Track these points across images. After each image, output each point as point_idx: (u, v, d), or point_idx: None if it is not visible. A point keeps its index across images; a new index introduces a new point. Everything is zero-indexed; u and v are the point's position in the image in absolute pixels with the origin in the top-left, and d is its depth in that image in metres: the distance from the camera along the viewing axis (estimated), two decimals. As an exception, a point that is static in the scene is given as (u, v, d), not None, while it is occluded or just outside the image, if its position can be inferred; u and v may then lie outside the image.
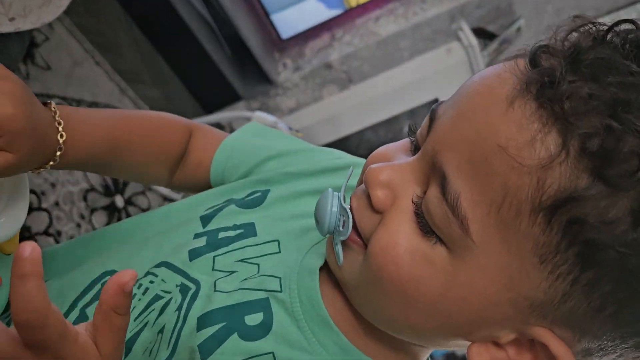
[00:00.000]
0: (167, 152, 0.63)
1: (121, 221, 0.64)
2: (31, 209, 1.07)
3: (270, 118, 1.29)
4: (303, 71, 1.97)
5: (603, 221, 0.30)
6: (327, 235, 0.43)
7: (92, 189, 1.26)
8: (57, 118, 0.49)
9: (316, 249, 0.49)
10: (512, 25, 1.82)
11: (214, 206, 0.56)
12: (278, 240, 0.51)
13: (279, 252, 0.50)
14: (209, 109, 1.91)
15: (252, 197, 0.56)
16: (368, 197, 0.39)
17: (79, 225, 1.18)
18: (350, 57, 1.93)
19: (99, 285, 0.53)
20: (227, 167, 0.62)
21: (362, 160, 0.57)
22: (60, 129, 0.49)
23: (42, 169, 0.50)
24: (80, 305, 0.52)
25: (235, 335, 0.44)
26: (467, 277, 0.35)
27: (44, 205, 1.10)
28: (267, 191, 0.56)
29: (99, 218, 1.24)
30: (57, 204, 1.14)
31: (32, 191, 1.09)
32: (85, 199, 1.23)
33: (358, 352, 0.44)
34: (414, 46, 1.90)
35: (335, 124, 1.94)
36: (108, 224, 1.26)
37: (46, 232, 1.08)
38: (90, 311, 0.51)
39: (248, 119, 1.30)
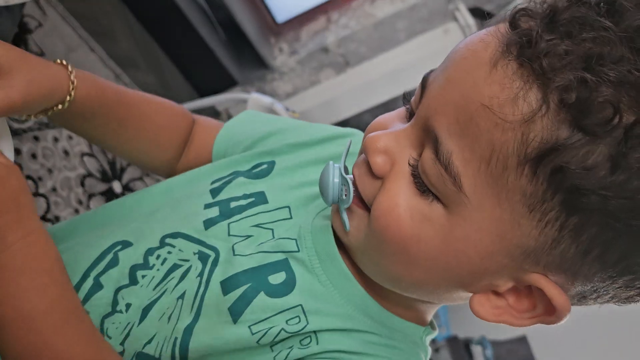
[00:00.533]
0: (176, 131, 0.64)
1: (122, 197, 0.64)
2: (28, 195, 1.07)
3: (266, 99, 1.28)
4: (299, 55, 1.95)
5: (584, 167, 0.32)
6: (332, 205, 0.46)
7: (90, 174, 1.26)
8: (64, 63, 0.51)
9: (324, 212, 0.52)
10: (509, 4, 1.81)
11: (220, 178, 0.57)
12: (289, 207, 0.53)
13: (291, 217, 0.52)
14: (204, 95, 1.89)
15: (258, 169, 0.58)
16: (368, 164, 0.41)
17: (77, 211, 1.17)
18: (346, 39, 1.92)
19: (110, 255, 0.54)
20: (229, 146, 0.63)
21: (359, 131, 0.60)
22: (70, 68, 0.51)
23: (50, 112, 0.50)
24: (93, 274, 0.53)
25: (262, 294, 0.46)
26: (462, 231, 0.38)
27: (41, 190, 1.10)
28: (273, 162, 0.58)
29: (97, 203, 1.24)
30: (54, 189, 1.13)
31: (29, 177, 1.08)
32: (82, 184, 1.22)
33: (375, 303, 0.47)
34: (410, 27, 1.89)
35: (332, 108, 1.93)
36: (106, 209, 1.25)
37: (44, 218, 1.08)
38: (104, 279, 0.52)
39: (244, 101, 1.29)
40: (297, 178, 0.56)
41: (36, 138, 1.14)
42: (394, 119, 0.44)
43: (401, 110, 0.45)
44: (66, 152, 1.21)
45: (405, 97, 0.44)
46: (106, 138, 0.59)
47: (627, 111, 0.31)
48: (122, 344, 0.49)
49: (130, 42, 1.66)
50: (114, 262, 0.53)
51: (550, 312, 0.39)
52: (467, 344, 3.02)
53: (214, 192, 0.56)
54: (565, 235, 0.35)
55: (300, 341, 0.45)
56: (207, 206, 0.54)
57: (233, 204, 0.54)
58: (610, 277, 0.37)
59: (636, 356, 3.34)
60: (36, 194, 1.08)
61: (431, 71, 0.42)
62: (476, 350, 2.98)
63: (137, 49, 1.69)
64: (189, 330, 0.47)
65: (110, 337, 0.50)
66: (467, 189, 0.37)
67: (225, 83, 1.90)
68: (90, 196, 1.23)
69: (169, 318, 0.48)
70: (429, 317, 0.51)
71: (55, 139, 1.20)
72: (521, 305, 0.40)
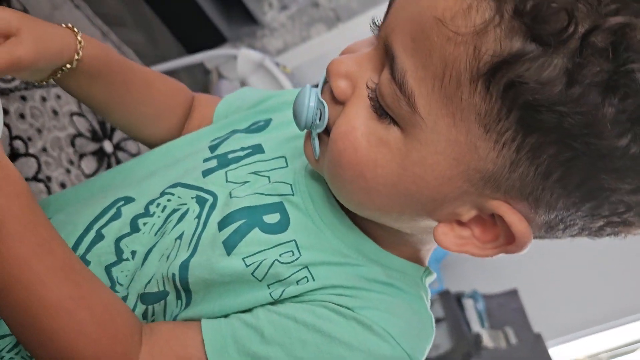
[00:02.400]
0: (178, 102, 0.65)
1: (121, 164, 0.65)
2: (18, 155, 1.06)
3: (257, 55, 1.26)
4: (290, 10, 1.92)
5: (538, 81, 0.30)
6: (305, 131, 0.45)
7: (80, 134, 1.25)
8: (69, 26, 0.52)
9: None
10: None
11: (218, 137, 0.58)
12: (285, 157, 0.53)
13: (287, 166, 0.52)
14: (193, 52, 1.87)
15: (255, 126, 0.58)
16: (331, 89, 0.41)
17: (68, 171, 1.17)
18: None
19: (113, 209, 0.54)
20: (229, 112, 0.64)
21: None
22: (75, 29, 0.51)
23: (59, 72, 0.51)
24: (96, 227, 0.54)
25: (256, 229, 0.47)
26: (419, 154, 0.37)
27: (31, 151, 1.09)
28: (269, 119, 0.58)
29: (88, 163, 1.23)
30: (44, 149, 1.13)
31: (18, 137, 1.07)
32: (73, 144, 1.22)
33: (372, 242, 0.47)
34: (402, -20, 1.85)
35: (324, 64, 1.90)
36: (98, 169, 1.25)
37: (35, 178, 1.07)
38: (106, 231, 0.53)
39: (234, 57, 1.28)
40: (292, 131, 0.55)
41: (23, 98, 1.12)
42: (364, 45, 0.43)
43: (372, 37, 0.43)
44: (55, 112, 1.20)
45: (374, 23, 0.42)
46: (111, 101, 0.59)
47: (583, 20, 0.30)
48: (127, 288, 0.50)
49: (117, -2, 1.62)
50: (116, 216, 0.54)
51: (511, 241, 0.38)
52: (459, 297, 3.09)
53: (212, 148, 0.57)
54: (523, 156, 0.34)
55: (296, 281, 0.45)
56: (206, 160, 0.55)
57: (230, 155, 0.54)
58: (574, 203, 0.36)
59: (626, 305, 3.43)
60: (26, 154, 1.08)
61: None
62: (468, 303, 3.04)
63: (124, 5, 1.65)
64: (184, 265, 0.47)
65: (122, 285, 0.51)
66: (422, 109, 0.35)
67: (215, 40, 1.87)
68: (82, 156, 1.23)
69: (167, 257, 0.49)
70: (426, 260, 0.51)
71: (43, 99, 1.18)
72: (485, 236, 0.40)
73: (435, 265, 3.32)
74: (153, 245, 0.51)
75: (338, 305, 0.43)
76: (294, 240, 0.46)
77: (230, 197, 0.50)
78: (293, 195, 0.49)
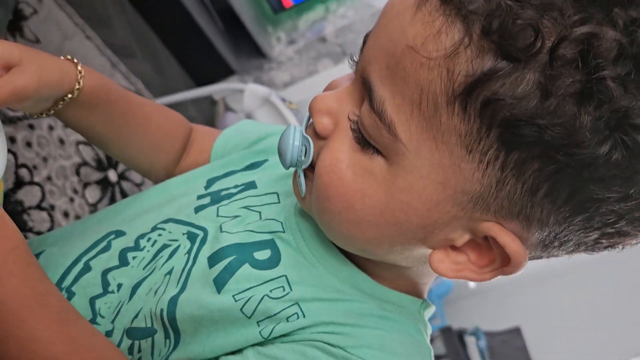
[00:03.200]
0: (176, 135, 0.65)
1: (120, 201, 0.66)
2: (23, 183, 1.06)
3: (263, 90, 1.28)
4: (297, 45, 1.95)
5: (514, 97, 0.31)
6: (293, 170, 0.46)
7: (85, 163, 1.25)
8: (69, 57, 0.53)
9: None
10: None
11: (215, 177, 0.59)
12: (277, 193, 0.53)
13: (279, 202, 0.53)
14: (201, 84, 1.89)
15: (252, 167, 0.59)
16: (313, 126, 0.42)
17: (72, 200, 1.17)
18: (344, 29, 1.91)
19: (104, 242, 0.55)
20: (226, 150, 0.64)
21: None
22: (76, 60, 0.53)
23: (61, 103, 0.52)
24: (84, 259, 0.54)
25: (246, 265, 0.46)
26: (405, 181, 0.37)
27: (36, 179, 1.09)
28: (265, 160, 0.59)
29: (92, 192, 1.24)
30: (49, 178, 1.13)
31: (23, 165, 1.08)
32: (78, 173, 1.22)
33: (365, 276, 0.46)
34: (409, 18, 1.88)
35: (330, 98, 1.92)
36: (101, 198, 1.25)
37: (39, 207, 1.07)
38: (94, 263, 0.53)
39: (241, 91, 1.29)
40: (286, 171, 0.56)
41: (31, 126, 1.13)
42: (344, 80, 0.44)
43: (352, 72, 0.43)
44: (61, 141, 1.20)
45: (352, 58, 0.42)
46: (110, 133, 0.59)
47: (549, 33, 0.30)
48: (112, 322, 0.50)
49: (127, 30, 1.65)
50: (106, 248, 0.54)
51: (506, 262, 0.38)
52: (461, 334, 3.05)
53: (207, 186, 0.57)
54: (508, 174, 0.34)
55: (286, 317, 0.43)
56: (200, 197, 0.56)
57: (223, 192, 0.55)
58: (565, 218, 0.35)
59: (627, 345, 3.38)
60: (31, 183, 1.08)
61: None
62: (470, 340, 3.00)
63: (134, 37, 1.68)
64: (173, 301, 0.46)
65: (103, 317, 0.50)
66: (403, 136, 0.36)
67: (223, 72, 1.90)
68: (86, 185, 1.23)
69: (156, 292, 0.49)
70: (425, 293, 0.50)
71: (51, 127, 1.19)
72: (481, 260, 0.39)
73: (437, 301, 3.29)
74: (142, 279, 0.50)
75: (329, 344, 0.42)
76: (285, 276, 0.45)
77: (221, 231, 0.50)
78: (284, 232, 0.49)
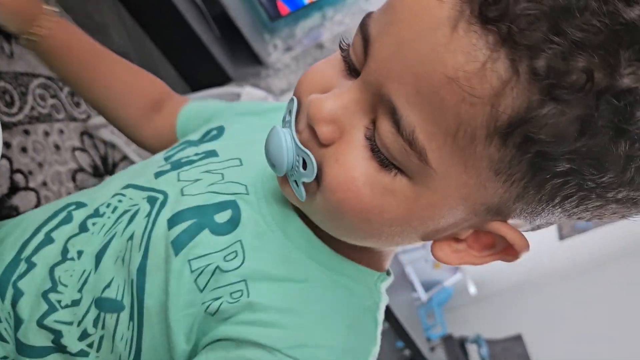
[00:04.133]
0: (144, 92, 0.70)
1: None
2: (18, 189, 1.05)
3: (259, 93, 1.27)
4: (294, 51, 1.95)
5: (553, 135, 0.31)
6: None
7: (81, 169, 1.25)
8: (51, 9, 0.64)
9: None
10: None
11: (172, 149, 0.60)
12: (239, 158, 0.54)
13: (241, 165, 0.53)
14: (198, 91, 1.89)
15: (209, 135, 0.60)
16: (312, 130, 0.39)
17: (68, 206, 1.16)
18: (341, 36, 1.91)
19: (64, 213, 0.56)
20: (189, 118, 0.68)
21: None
22: (55, 10, 0.64)
23: (27, 35, 0.64)
24: (44, 230, 0.55)
25: (206, 230, 0.47)
26: (428, 200, 0.37)
27: (31, 184, 1.09)
28: (222, 128, 0.60)
29: (89, 198, 1.23)
30: (45, 184, 1.12)
31: (19, 171, 1.07)
32: (74, 179, 1.21)
33: (323, 245, 0.47)
34: (405, 24, 1.89)
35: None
36: (98, 204, 1.25)
37: (34, 212, 1.07)
38: (56, 235, 0.54)
39: (238, 95, 1.29)
40: (246, 138, 0.57)
41: (26, 132, 1.13)
42: (332, 72, 0.40)
43: (338, 61, 0.40)
44: (57, 147, 1.20)
45: (342, 47, 0.40)
46: (72, 79, 0.68)
47: (600, 79, 0.29)
48: (79, 291, 0.49)
49: (124, 37, 1.65)
50: (67, 220, 0.55)
51: (509, 252, 0.40)
52: (462, 342, 3.03)
53: (166, 158, 0.58)
54: (530, 190, 0.34)
55: (231, 293, 0.43)
56: (159, 166, 0.56)
57: (184, 160, 0.56)
58: (566, 211, 0.37)
59: (629, 352, 3.36)
60: (26, 188, 1.07)
61: (369, 16, 0.37)
62: (471, 348, 2.98)
63: (131, 44, 1.68)
64: (142, 270, 0.47)
65: (65, 285, 0.50)
66: (433, 162, 0.34)
67: (219, 79, 1.90)
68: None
69: (123, 260, 0.49)
70: (387, 263, 0.50)
71: (46, 133, 1.19)
72: (480, 244, 0.41)
73: (437, 309, 3.27)
74: (104, 246, 0.50)
75: (265, 349, 0.41)
76: (240, 241, 0.46)
77: (182, 194, 0.50)
78: (247, 194, 0.49)
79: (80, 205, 0.56)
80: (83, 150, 1.27)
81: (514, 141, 0.32)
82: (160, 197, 0.51)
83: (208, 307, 0.44)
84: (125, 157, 1.44)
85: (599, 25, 0.28)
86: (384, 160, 0.36)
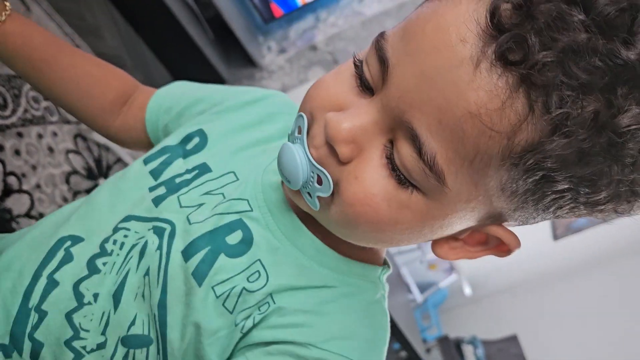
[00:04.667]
0: (110, 87, 0.67)
1: (57, 210, 0.65)
2: (12, 191, 1.05)
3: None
4: (288, 54, 1.95)
5: (558, 162, 0.34)
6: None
7: (75, 171, 1.24)
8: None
9: (270, 167, 0.53)
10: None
11: (151, 156, 0.58)
12: (233, 171, 0.54)
13: (237, 179, 0.54)
14: (193, 93, 1.89)
15: (191, 142, 0.58)
16: (329, 147, 0.40)
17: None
18: (335, 38, 1.91)
19: (62, 252, 0.53)
20: (160, 112, 0.65)
21: (278, 92, 0.64)
22: (7, 4, 0.61)
23: None
24: (45, 273, 0.52)
25: (222, 255, 0.48)
26: (440, 212, 0.40)
27: (25, 187, 1.08)
28: (203, 134, 0.59)
29: (83, 201, 1.22)
30: (38, 186, 1.12)
31: (12, 173, 1.06)
32: (67, 181, 1.21)
33: (331, 251, 0.50)
34: (399, 25, 1.89)
35: (321, 106, 1.92)
36: (92, 207, 1.24)
37: (28, 215, 1.06)
38: (60, 277, 0.51)
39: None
40: (232, 144, 0.57)
41: (20, 134, 1.12)
42: (344, 89, 0.41)
43: (348, 75, 0.42)
44: (51, 149, 1.19)
45: (356, 64, 0.41)
46: (33, 77, 0.65)
47: (602, 113, 0.32)
48: (103, 333, 0.49)
49: (116, 39, 1.64)
50: (67, 258, 0.52)
51: (502, 249, 0.44)
52: (458, 343, 3.03)
53: (155, 174, 0.56)
54: (530, 203, 0.38)
55: (259, 307, 0.47)
56: (152, 188, 0.55)
57: (178, 180, 0.55)
58: (557, 216, 0.40)
59: (623, 351, 3.37)
60: (20, 191, 1.07)
61: (383, 37, 0.39)
62: (467, 349, 2.98)
63: (124, 46, 1.68)
64: (162, 305, 0.47)
65: (87, 330, 0.49)
66: (450, 183, 0.37)
67: (214, 82, 1.89)
68: (76, 193, 1.22)
69: (143, 296, 0.49)
70: (383, 254, 0.55)
71: (40, 136, 1.18)
72: (475, 241, 0.45)
73: (433, 310, 3.27)
74: (119, 285, 0.50)
75: (299, 344, 0.45)
76: (259, 260, 0.48)
77: (190, 223, 0.51)
78: (252, 210, 0.51)
79: (75, 239, 0.54)
80: (77, 152, 1.27)
81: (523, 166, 0.35)
82: (168, 227, 0.51)
83: (242, 327, 0.47)
84: (119, 160, 1.43)
85: (603, 67, 0.31)
86: (402, 179, 0.39)
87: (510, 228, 0.43)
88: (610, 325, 3.34)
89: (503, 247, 0.43)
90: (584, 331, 3.36)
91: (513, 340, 3.09)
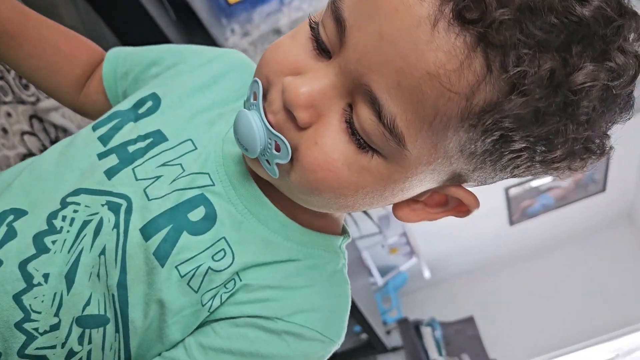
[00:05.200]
0: (79, 61, 0.64)
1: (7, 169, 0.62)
2: (-36, 174, 1.01)
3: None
4: (251, 37, 1.93)
5: (516, 122, 0.35)
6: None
7: (30, 153, 1.21)
8: None
9: (229, 136, 0.52)
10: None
11: (101, 122, 0.55)
12: (190, 139, 0.52)
13: (196, 148, 0.52)
14: (154, 75, 1.85)
15: (144, 106, 0.56)
16: (287, 112, 0.40)
17: (17, 191, 1.13)
18: (299, 21, 1.90)
19: (4, 227, 0.50)
20: (117, 79, 0.63)
21: (234, 50, 0.62)
22: None
23: None
24: None
25: (185, 233, 0.47)
26: (401, 175, 0.41)
27: (-23, 169, 1.05)
28: (156, 97, 0.56)
29: (39, 184, 1.19)
30: (-8, 168, 1.09)
31: (-36, 155, 1.03)
32: (23, 164, 1.18)
33: (294, 224, 0.50)
34: (363, 11, 1.90)
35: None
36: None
37: (-19, 198, 1.03)
38: (2, 254, 0.48)
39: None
40: (188, 108, 0.55)
41: (-28, 115, 1.08)
42: (300, 52, 0.41)
43: (304, 38, 0.41)
44: (4, 130, 1.16)
45: (312, 26, 0.41)
46: (2, 52, 0.62)
47: (558, 71, 0.33)
48: (56, 315, 0.48)
49: (75, 19, 1.60)
50: (10, 234, 0.49)
51: (461, 209, 0.45)
52: (417, 325, 3.10)
53: (104, 140, 0.53)
54: (488, 163, 0.39)
55: (225, 285, 0.47)
56: (102, 155, 0.52)
57: (131, 148, 0.52)
58: (514, 175, 0.42)
59: (575, 330, 3.51)
60: (-28, 173, 1.03)
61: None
62: (426, 331, 3.06)
63: (83, 27, 1.63)
64: (122, 285, 0.46)
65: (39, 312, 0.47)
66: (410, 146, 0.38)
67: (175, 64, 1.86)
68: (32, 176, 1.19)
69: (98, 276, 0.47)
70: (342, 223, 0.56)
71: (-7, 117, 1.14)
72: (434, 201, 0.46)
73: (393, 293, 3.33)
74: (71, 265, 0.48)
75: (267, 318, 0.47)
76: (224, 238, 0.48)
77: (148, 198, 0.49)
78: (213, 185, 0.50)
79: (18, 213, 0.50)
80: (32, 134, 1.23)
81: (481, 127, 0.36)
82: (124, 203, 0.49)
83: (210, 307, 0.47)
84: (77, 142, 1.40)
85: (559, 24, 0.32)
86: (362, 143, 0.39)
87: (470, 189, 0.45)
88: (562, 306, 3.48)
89: (462, 208, 0.45)
90: (537, 313, 3.49)
91: (470, 321, 3.18)
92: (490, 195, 3.19)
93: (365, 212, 2.62)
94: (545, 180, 3.30)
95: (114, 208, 0.48)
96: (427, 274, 3.37)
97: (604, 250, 3.61)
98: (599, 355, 3.52)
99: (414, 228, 3.28)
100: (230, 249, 0.48)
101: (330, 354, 0.51)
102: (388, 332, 2.91)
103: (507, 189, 3.25)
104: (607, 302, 3.43)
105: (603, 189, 3.44)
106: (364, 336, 2.59)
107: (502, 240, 3.65)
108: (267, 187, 0.49)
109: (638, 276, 3.51)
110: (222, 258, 0.47)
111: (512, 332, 3.40)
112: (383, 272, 3.24)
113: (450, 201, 0.45)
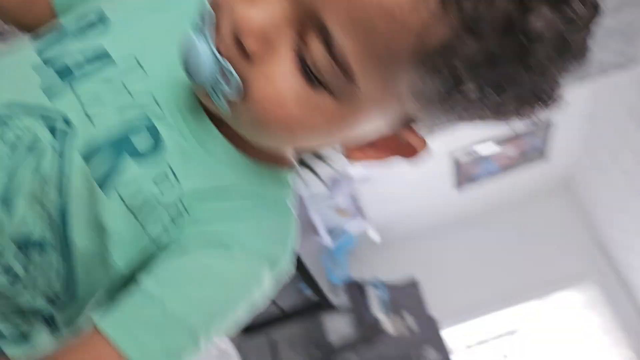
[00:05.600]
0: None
1: None
2: None
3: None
4: None
5: (467, 63, 0.35)
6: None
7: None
8: None
9: (179, 64, 0.48)
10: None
11: (44, 34, 0.52)
12: (138, 61, 0.49)
13: (141, 67, 0.49)
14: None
15: (88, 23, 0.52)
16: (237, 42, 0.38)
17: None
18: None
19: None
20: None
21: None
22: None
23: None
24: None
25: (129, 159, 0.45)
26: (352, 117, 0.41)
27: None
28: (104, 16, 0.52)
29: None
30: None
31: None
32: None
33: (243, 156, 0.49)
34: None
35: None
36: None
37: None
38: None
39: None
40: (137, 28, 0.51)
41: None
42: None
43: None
44: None
45: None
46: None
47: (514, 15, 0.33)
48: None
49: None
50: None
51: (410, 152, 0.45)
52: (363, 286, 3.18)
53: (43, 53, 0.50)
54: (437, 105, 0.39)
55: (172, 219, 0.46)
56: (37, 68, 0.49)
57: (69, 62, 0.49)
58: (462, 119, 0.42)
59: (515, 292, 3.70)
60: None
61: None
62: (371, 292, 3.14)
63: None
64: (63, 211, 0.45)
65: None
66: (359, 82, 0.37)
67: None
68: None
69: (38, 202, 0.45)
70: (289, 155, 0.54)
71: None
72: (382, 142, 0.45)
73: (341, 254, 3.40)
74: (5, 187, 0.45)
75: (216, 246, 0.47)
76: (170, 167, 0.46)
77: (91, 120, 0.46)
78: (161, 111, 0.47)
79: None
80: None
81: (432, 67, 0.35)
82: (62, 122, 0.46)
83: (159, 242, 0.46)
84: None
85: None
86: (312, 77, 0.38)
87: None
88: (505, 271, 3.65)
89: (411, 150, 0.45)
90: (480, 276, 3.65)
91: (414, 284, 3.29)
92: (437, 160, 3.27)
93: (314, 173, 2.63)
94: (490, 148, 3.40)
95: (52, 129, 0.46)
96: (374, 236, 3.44)
97: (542, 217, 3.79)
98: (530, 312, 3.74)
99: (363, 191, 3.33)
100: (175, 176, 0.46)
101: (275, 278, 0.51)
102: (335, 293, 2.97)
103: (452, 153, 3.33)
104: (539, 266, 3.63)
105: (544, 157, 3.58)
106: (310, 295, 2.64)
107: (449, 204, 3.76)
108: (216, 118, 0.47)
109: (570, 242, 3.72)
110: (165, 185, 0.46)
111: (454, 294, 3.55)
112: (332, 233, 3.28)
113: (399, 144, 0.45)
